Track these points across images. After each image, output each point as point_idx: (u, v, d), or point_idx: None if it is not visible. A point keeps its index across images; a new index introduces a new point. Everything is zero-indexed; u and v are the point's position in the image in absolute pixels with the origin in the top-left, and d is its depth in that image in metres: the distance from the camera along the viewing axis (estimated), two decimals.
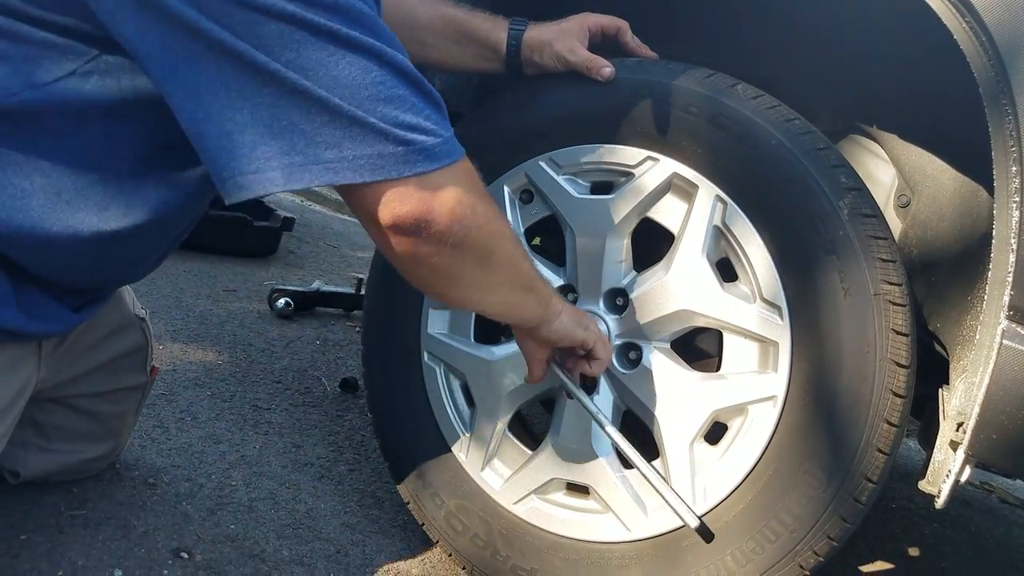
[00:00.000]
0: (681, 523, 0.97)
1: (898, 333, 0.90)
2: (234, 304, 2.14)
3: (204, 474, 1.24)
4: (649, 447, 1.02)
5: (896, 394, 0.90)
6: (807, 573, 0.94)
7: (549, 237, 1.17)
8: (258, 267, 2.62)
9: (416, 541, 1.21)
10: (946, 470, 0.92)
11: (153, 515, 1.10)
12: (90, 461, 1.10)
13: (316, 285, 2.30)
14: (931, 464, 1.00)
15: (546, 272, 1.09)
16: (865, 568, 1.64)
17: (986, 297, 0.87)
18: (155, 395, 1.43)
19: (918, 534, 1.93)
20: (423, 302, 1.17)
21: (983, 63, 0.83)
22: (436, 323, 1.17)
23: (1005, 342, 0.82)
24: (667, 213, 1.03)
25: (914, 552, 1.86)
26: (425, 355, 1.17)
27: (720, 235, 1.00)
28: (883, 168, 1.18)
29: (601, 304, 1.06)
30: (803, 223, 0.94)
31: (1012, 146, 0.82)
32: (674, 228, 1.02)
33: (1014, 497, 2.50)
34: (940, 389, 1.08)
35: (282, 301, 2.11)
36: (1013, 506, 2.43)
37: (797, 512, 0.92)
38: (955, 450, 0.89)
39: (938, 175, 1.11)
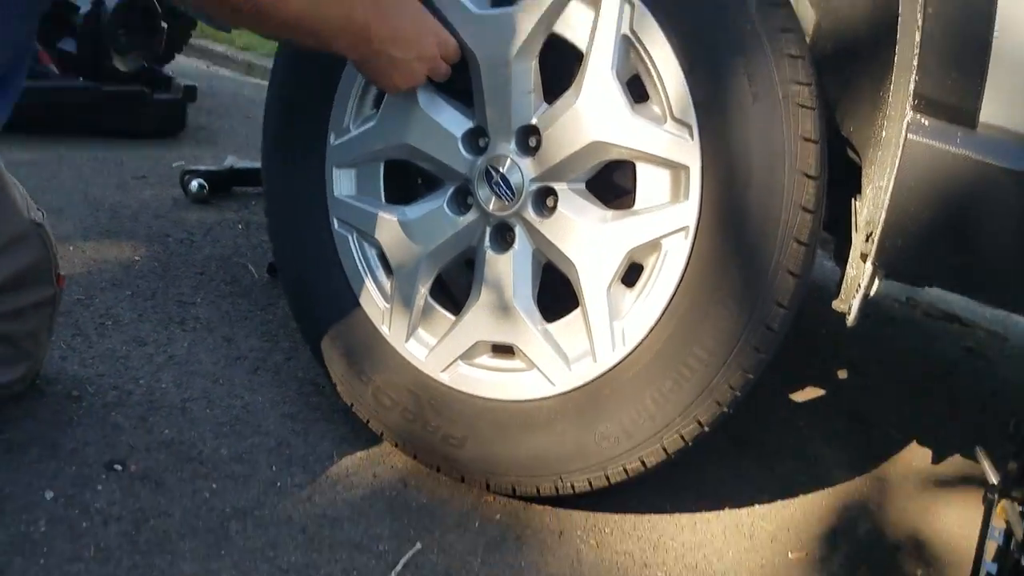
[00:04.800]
0: (602, 371, 0.98)
1: (807, 140, 0.86)
2: (145, 192, 2.03)
3: (131, 380, 1.21)
4: (569, 298, 1.02)
5: (805, 209, 0.87)
6: (725, 409, 0.95)
7: (456, 75, 1.07)
8: (167, 148, 2.45)
9: (359, 424, 1.21)
10: (856, 284, 0.94)
11: (81, 429, 1.07)
12: (6, 386, 1.06)
13: (230, 162, 2.15)
14: (844, 280, 1.01)
15: (455, 114, 1.04)
16: (796, 396, 1.73)
17: (892, 86, 0.83)
18: (70, 301, 1.37)
19: (846, 356, 2.04)
20: (324, 160, 1.10)
21: None
22: (342, 184, 1.11)
23: (910, 136, 0.79)
24: (574, 26, 0.96)
25: (842, 375, 1.96)
26: (335, 222, 1.11)
27: (629, 46, 0.93)
28: None
29: (513, 145, 1.00)
30: (710, 16, 0.88)
31: None
32: (582, 44, 0.95)
33: (937, 309, 2.63)
34: (853, 199, 1.06)
35: (195, 183, 1.97)
36: (936, 319, 2.57)
37: (710, 345, 0.92)
38: (865, 262, 0.89)
39: None
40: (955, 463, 1.56)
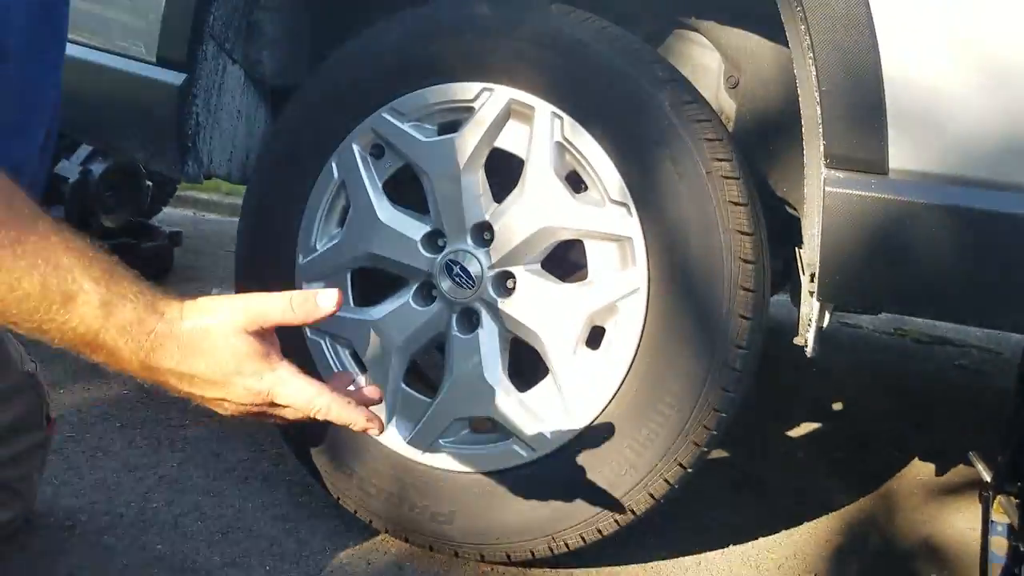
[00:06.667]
0: (578, 428, 1.01)
1: (735, 204, 0.95)
2: None
3: (123, 503, 1.22)
4: (539, 368, 1.05)
5: (745, 260, 0.95)
6: (704, 448, 0.99)
7: (409, 187, 1.17)
8: (153, 287, 2.53)
9: (349, 517, 1.22)
10: (808, 319, 0.99)
11: (75, 555, 1.08)
12: (2, 526, 1.07)
13: (215, 293, 2.24)
14: (800, 319, 1.07)
15: (412, 221, 1.11)
16: (792, 432, 1.73)
17: (806, 150, 0.92)
18: (61, 439, 1.39)
19: (841, 389, 2.04)
20: (294, 275, 1.16)
21: None
22: None
23: (828, 188, 0.87)
24: (513, 139, 1.05)
25: (838, 406, 1.97)
26: (307, 331, 1.16)
27: (563, 150, 1.02)
28: (709, 56, 1.21)
29: (469, 241, 1.07)
30: (631, 120, 0.98)
31: (796, 6, 0.86)
32: (522, 152, 1.04)
33: (926, 335, 2.65)
34: (797, 248, 1.15)
35: None
36: (927, 343, 2.58)
37: (678, 392, 0.96)
38: (812, 298, 0.95)
39: (756, 50, 1.16)
40: (960, 472, 1.55)
